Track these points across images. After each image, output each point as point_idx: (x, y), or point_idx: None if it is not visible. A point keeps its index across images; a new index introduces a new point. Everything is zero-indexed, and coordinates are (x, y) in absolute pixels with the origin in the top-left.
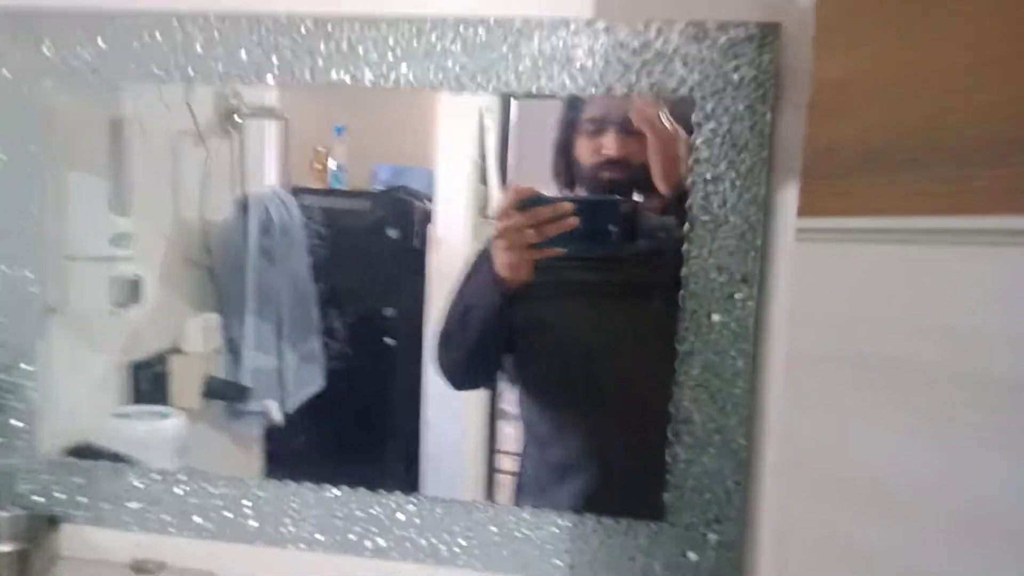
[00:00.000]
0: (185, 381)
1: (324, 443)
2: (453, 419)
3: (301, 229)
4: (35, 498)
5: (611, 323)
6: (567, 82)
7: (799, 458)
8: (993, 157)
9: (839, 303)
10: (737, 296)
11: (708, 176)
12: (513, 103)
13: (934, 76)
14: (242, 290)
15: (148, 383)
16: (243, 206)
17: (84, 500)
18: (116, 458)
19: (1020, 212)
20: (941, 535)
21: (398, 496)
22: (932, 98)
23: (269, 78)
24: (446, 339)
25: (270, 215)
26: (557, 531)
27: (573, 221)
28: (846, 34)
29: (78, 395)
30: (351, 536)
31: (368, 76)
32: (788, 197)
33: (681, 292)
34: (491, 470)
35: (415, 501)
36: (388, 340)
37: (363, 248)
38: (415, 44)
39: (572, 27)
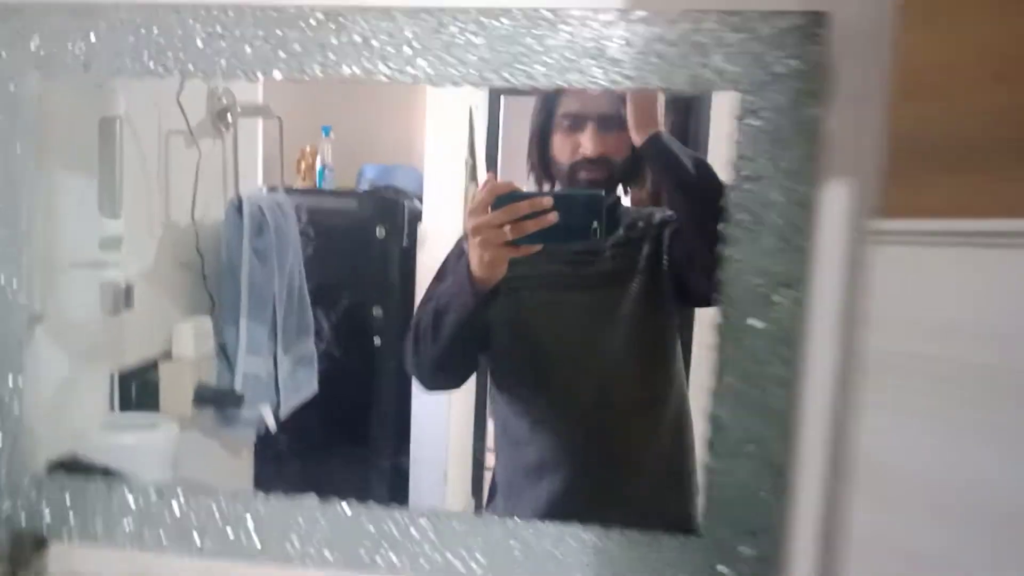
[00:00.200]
0: (176, 388)
1: (312, 446)
2: (443, 417)
3: (296, 229)
4: (20, 517)
5: (589, 316)
6: (599, 76)
7: (871, 465)
8: None
9: (920, 308)
10: (777, 300)
11: (748, 173)
12: (503, 99)
13: None
14: (235, 293)
15: (137, 391)
16: (236, 207)
17: (74, 518)
18: (104, 471)
19: None
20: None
21: (412, 511)
22: None
23: (276, 73)
24: (418, 339)
25: (264, 215)
26: (579, 545)
27: (553, 217)
28: (942, 15)
29: (64, 405)
30: (362, 553)
31: (383, 71)
32: (835, 196)
33: (722, 295)
34: (480, 469)
35: (431, 516)
36: (376, 340)
37: (350, 247)
38: (434, 36)
39: (604, 17)
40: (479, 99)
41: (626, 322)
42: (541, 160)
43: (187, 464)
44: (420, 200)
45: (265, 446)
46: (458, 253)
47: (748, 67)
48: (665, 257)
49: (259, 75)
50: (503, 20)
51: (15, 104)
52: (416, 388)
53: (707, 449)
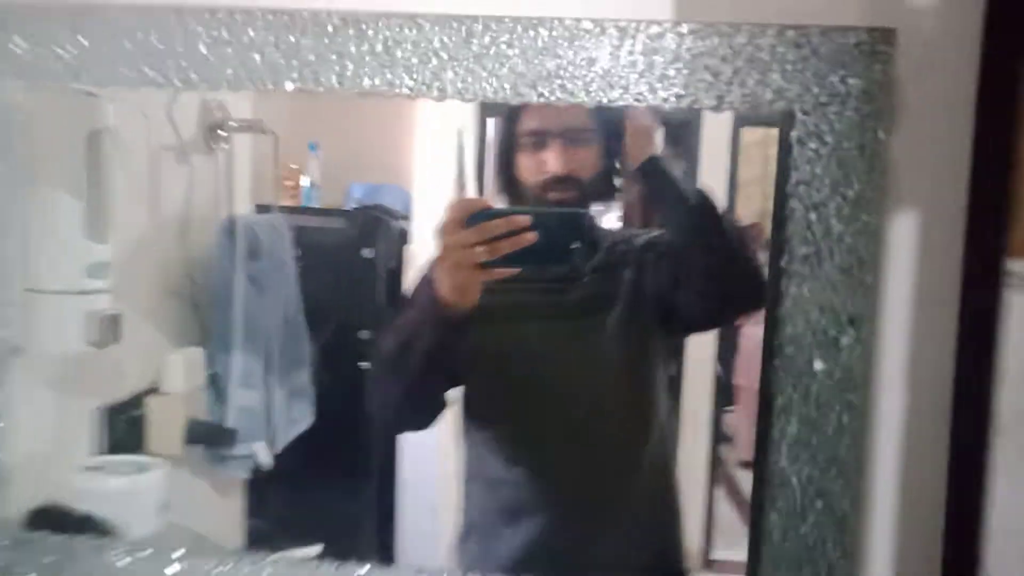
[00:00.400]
0: (165, 425)
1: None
2: (432, 443)
3: (291, 253)
4: None
5: (568, 347)
6: (645, 92)
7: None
8: None
9: None
10: (843, 341)
11: (810, 202)
12: (490, 120)
13: None
14: (228, 321)
15: (123, 429)
16: (229, 229)
17: None
18: (87, 520)
19: None
20: None
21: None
22: None
23: (288, 85)
24: (382, 374)
25: (258, 238)
26: None
27: (531, 237)
28: None
29: (43, 447)
30: None
31: (407, 83)
32: (903, 227)
33: (782, 335)
34: None
35: None
36: (363, 364)
37: (337, 268)
38: (464, 47)
39: (652, 30)
40: (468, 120)
41: (607, 353)
42: (507, 182)
43: (176, 507)
44: (408, 220)
45: (256, 483)
46: (428, 279)
47: (808, 86)
48: (650, 283)
49: (269, 86)
50: (540, 30)
51: None
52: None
53: (767, 505)
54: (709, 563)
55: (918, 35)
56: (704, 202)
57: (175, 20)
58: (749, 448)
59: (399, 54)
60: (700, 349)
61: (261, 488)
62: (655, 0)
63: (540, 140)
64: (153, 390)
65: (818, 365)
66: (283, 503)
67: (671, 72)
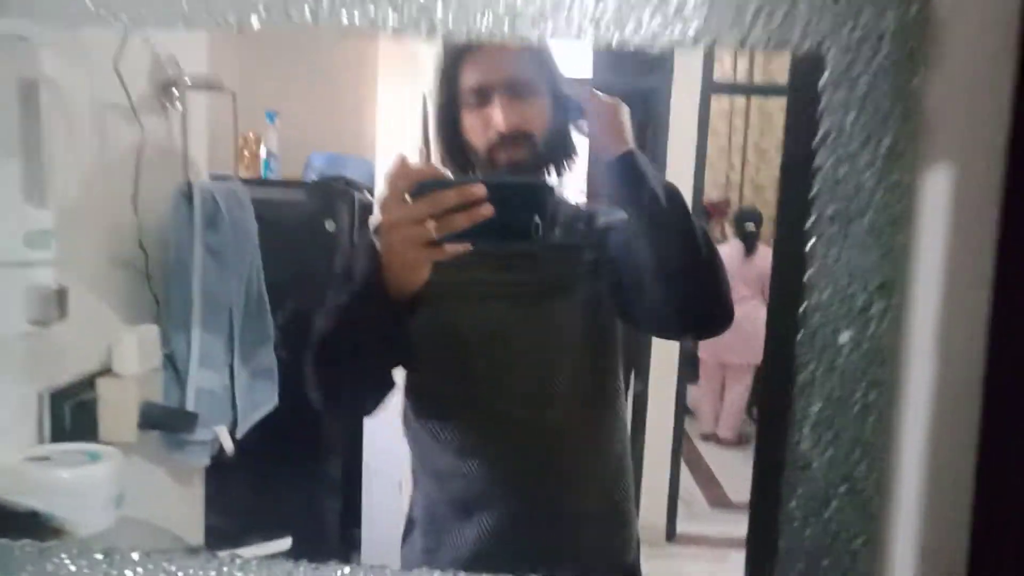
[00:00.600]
0: (117, 410)
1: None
2: (398, 423)
3: (254, 223)
4: None
5: (524, 331)
6: (662, 32)
7: None
8: None
9: None
10: (873, 310)
11: (838, 155)
12: None
13: None
14: (186, 296)
15: (72, 415)
16: (186, 195)
17: None
18: (32, 517)
19: None
20: None
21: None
22: None
23: (254, 20)
24: (319, 357)
25: (218, 206)
26: None
27: (486, 210)
28: None
29: None
30: None
31: (392, 21)
32: (939, 184)
33: (803, 306)
34: None
35: None
36: None
37: (297, 243)
38: None
39: None
40: (432, 86)
41: (565, 338)
42: (452, 146)
43: (132, 497)
44: (371, 192)
45: (217, 470)
46: (368, 251)
47: (839, 24)
48: (609, 274)
49: (231, 20)
50: None
51: None
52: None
53: (786, 493)
54: (672, 536)
55: None
56: (680, 214)
57: None
58: (711, 421)
59: None
60: None
61: (223, 475)
62: None
63: (483, 95)
64: (104, 372)
65: (844, 337)
66: (246, 490)
67: (689, 6)
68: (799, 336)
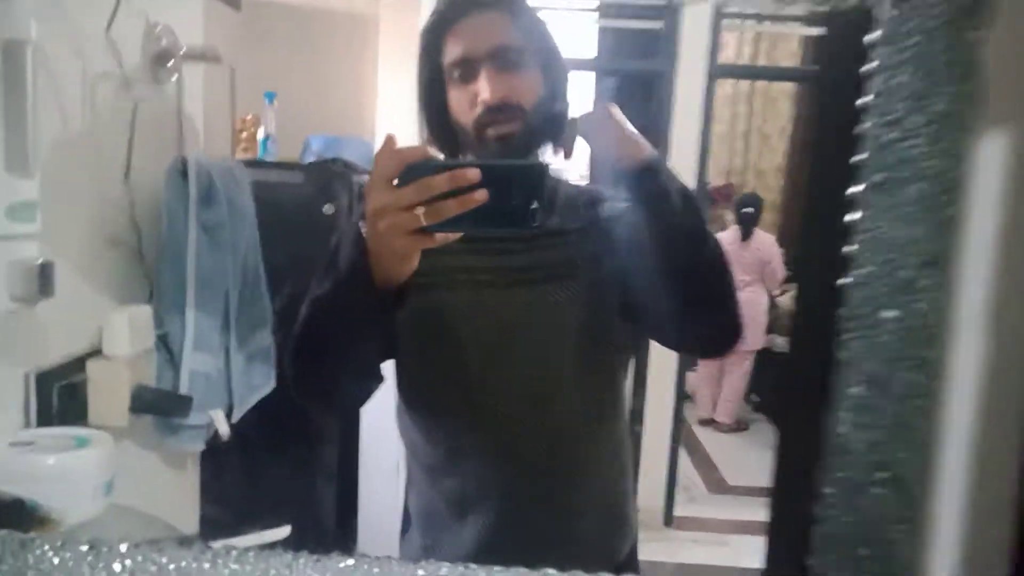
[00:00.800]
0: (108, 393)
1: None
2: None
3: (251, 202)
4: None
5: (520, 320)
6: None
7: None
8: None
9: None
10: (920, 286)
11: (887, 119)
12: None
13: None
14: (180, 275)
15: (60, 398)
16: (180, 171)
17: None
18: (16, 505)
19: None
20: None
21: (442, 567)
22: None
23: None
24: (301, 348)
25: (213, 182)
26: None
27: (480, 195)
28: None
29: None
30: None
31: None
32: (995, 150)
33: (847, 280)
34: None
35: (466, 571)
36: None
37: (294, 225)
38: None
39: None
40: (416, 64)
41: (565, 330)
42: (439, 127)
43: (123, 484)
44: (370, 175)
45: (212, 455)
46: (355, 237)
47: None
48: (613, 271)
49: None
50: None
51: None
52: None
53: (822, 478)
54: (670, 521)
55: None
56: (699, 224)
57: None
58: (709, 407)
59: None
60: None
61: (218, 461)
62: None
63: (469, 69)
64: (94, 353)
65: (890, 313)
66: (242, 476)
67: None
68: (839, 314)
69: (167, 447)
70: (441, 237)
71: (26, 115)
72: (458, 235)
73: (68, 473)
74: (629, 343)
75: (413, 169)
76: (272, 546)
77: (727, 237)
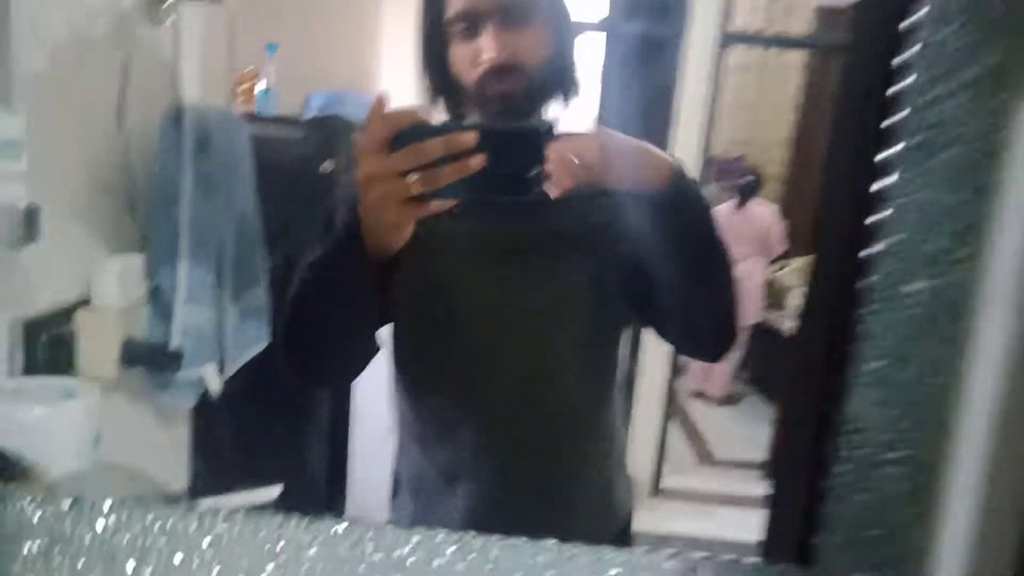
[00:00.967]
0: (97, 344)
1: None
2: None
3: (248, 153)
4: None
5: (521, 290)
6: None
7: None
8: None
9: None
10: (952, 257)
11: (930, 74)
12: None
13: None
14: (172, 226)
15: (47, 348)
16: (174, 118)
17: None
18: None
19: None
20: None
21: (438, 534)
22: None
23: None
24: (294, 317)
25: (208, 131)
26: None
27: (477, 161)
28: None
29: None
30: None
31: None
32: None
33: (874, 249)
34: None
35: (462, 539)
36: None
37: (293, 183)
38: None
39: None
40: (416, 14)
41: (567, 302)
42: (440, 81)
43: (110, 439)
44: (360, 140)
45: (202, 411)
46: (349, 202)
47: None
48: (622, 244)
49: None
50: None
51: None
52: None
53: (832, 456)
54: (658, 491)
55: None
56: (717, 236)
57: None
58: (700, 379)
59: None
60: None
61: (209, 417)
62: None
63: (472, 24)
64: (83, 303)
65: (916, 286)
66: (232, 433)
67: None
68: (862, 284)
69: (157, 402)
70: (436, 205)
71: (8, 45)
72: (453, 203)
73: (53, 425)
74: (631, 321)
75: (405, 134)
76: (262, 508)
77: (724, 209)
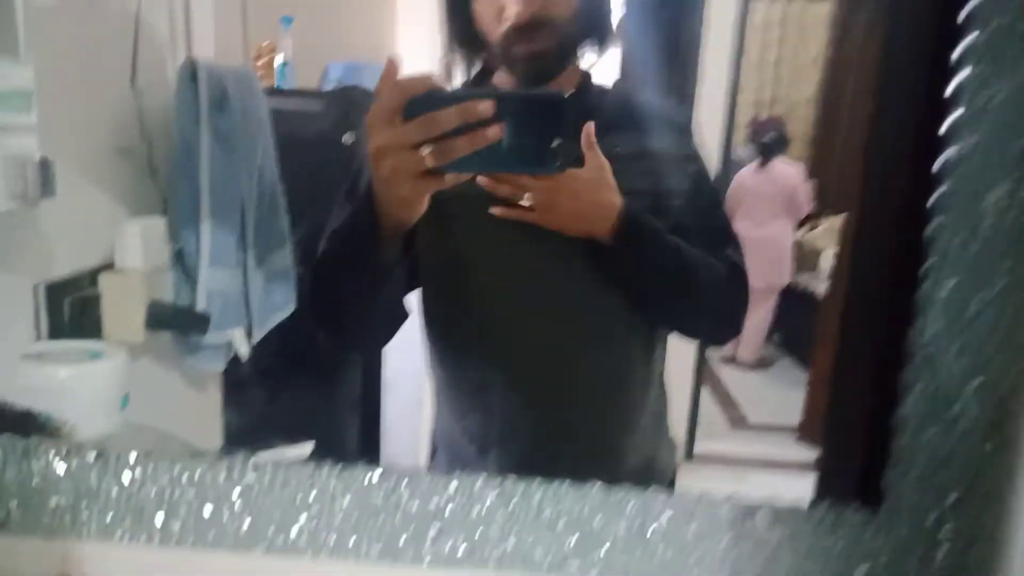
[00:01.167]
0: (122, 308)
1: (283, 371)
2: (419, 340)
3: (266, 112)
4: None
5: (553, 257)
6: None
7: None
8: None
9: None
10: None
11: (992, 23)
12: None
13: None
14: (194, 187)
15: (72, 312)
16: (190, 75)
17: None
18: (27, 417)
19: None
20: None
21: (474, 480)
22: None
23: None
24: (318, 279)
25: (226, 90)
26: (714, 527)
27: (494, 132)
28: None
29: None
30: (403, 539)
31: None
32: None
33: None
34: None
35: (503, 485)
36: None
37: (314, 155)
38: None
39: None
40: None
41: (590, 271)
42: (464, 36)
43: (139, 403)
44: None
45: (234, 376)
46: (367, 174)
47: None
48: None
49: None
50: None
51: None
52: None
53: (902, 389)
54: (692, 455)
55: None
56: (695, 270)
57: None
58: (731, 344)
59: None
60: None
61: (238, 382)
62: None
63: None
64: (107, 267)
65: (992, 197)
66: (262, 398)
67: None
68: (932, 199)
69: (187, 367)
70: (452, 178)
71: None
72: (468, 177)
73: (81, 386)
74: None
75: (417, 102)
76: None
77: (747, 169)
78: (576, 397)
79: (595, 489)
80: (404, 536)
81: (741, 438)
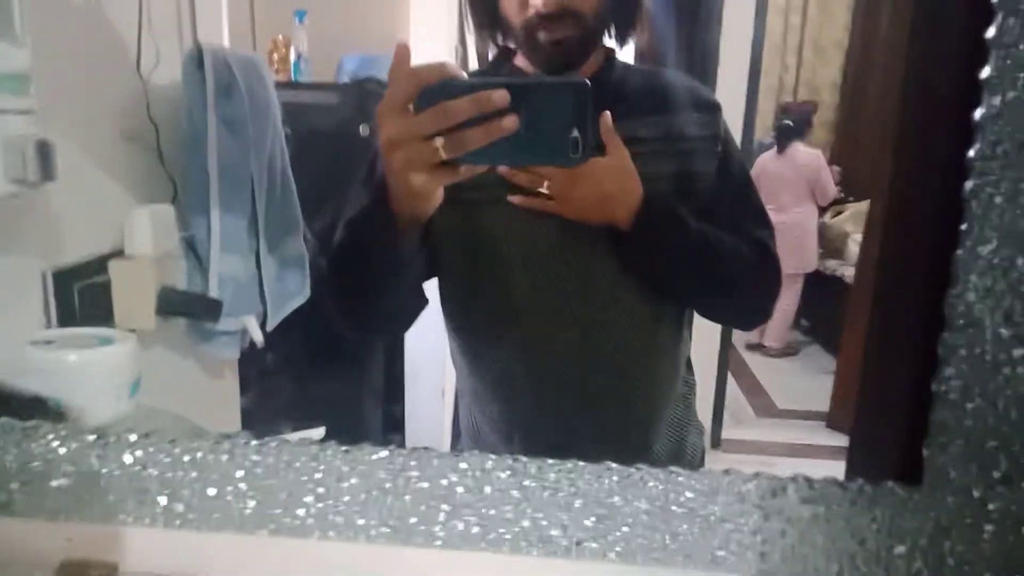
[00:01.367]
0: (133, 294)
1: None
2: (441, 328)
3: (274, 98)
4: None
5: (571, 242)
6: None
7: None
8: None
9: None
10: None
11: None
12: None
13: None
14: (203, 173)
15: (82, 299)
16: (196, 60)
17: None
18: (36, 402)
19: None
20: None
21: (488, 460)
22: None
23: None
24: (335, 268)
25: (233, 75)
26: (744, 505)
27: (510, 122)
28: None
29: None
30: (413, 520)
31: None
32: None
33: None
34: None
35: (515, 464)
36: None
37: (330, 147)
38: None
39: None
40: None
41: (613, 262)
42: (487, 22)
43: (155, 390)
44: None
45: (251, 364)
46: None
47: None
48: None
49: None
50: None
51: None
52: None
53: (943, 356)
54: (720, 442)
55: None
56: (721, 256)
57: None
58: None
59: None
60: None
61: (253, 371)
62: None
63: None
64: (117, 253)
65: None
66: (281, 386)
67: None
68: (971, 152)
69: (201, 354)
70: (466, 171)
71: None
72: (482, 169)
73: (91, 371)
74: None
75: (430, 91)
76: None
77: (765, 156)
78: (600, 384)
79: (612, 466)
80: (413, 518)
81: (769, 425)
